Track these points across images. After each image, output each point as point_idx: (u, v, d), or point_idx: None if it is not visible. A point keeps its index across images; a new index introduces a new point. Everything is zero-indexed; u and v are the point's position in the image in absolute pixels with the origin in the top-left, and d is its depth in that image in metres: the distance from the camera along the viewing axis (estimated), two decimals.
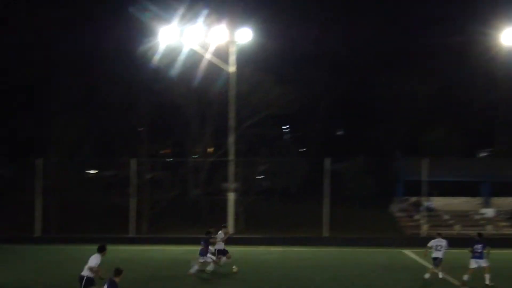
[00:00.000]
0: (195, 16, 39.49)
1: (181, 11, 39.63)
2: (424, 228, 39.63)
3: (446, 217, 42.32)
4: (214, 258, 27.49)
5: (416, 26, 55.75)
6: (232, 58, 39.68)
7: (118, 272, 18.14)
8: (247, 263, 30.03)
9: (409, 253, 34.36)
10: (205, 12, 39.82)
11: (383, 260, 31.57)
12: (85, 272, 20.16)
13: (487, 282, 24.86)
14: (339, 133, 64.05)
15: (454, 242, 36.32)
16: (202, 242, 27.20)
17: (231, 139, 40.10)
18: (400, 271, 28.52)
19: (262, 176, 49.28)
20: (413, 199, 43.56)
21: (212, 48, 39.33)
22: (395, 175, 46.37)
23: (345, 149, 51.45)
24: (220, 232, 28.36)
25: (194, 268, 26.97)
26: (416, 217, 41.79)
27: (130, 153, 40.66)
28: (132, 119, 43.86)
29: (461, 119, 52.02)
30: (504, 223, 41.44)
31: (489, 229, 40.57)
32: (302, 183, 45.88)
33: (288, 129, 60.10)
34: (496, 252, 33.11)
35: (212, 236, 27.83)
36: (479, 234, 26.07)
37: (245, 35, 39.42)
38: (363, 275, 27.32)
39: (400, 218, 43.30)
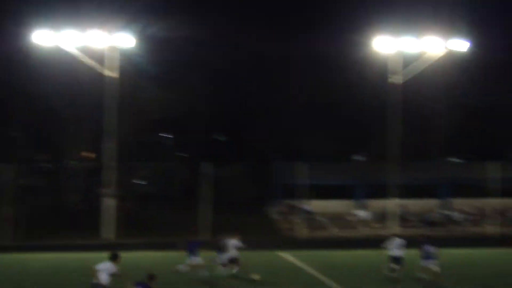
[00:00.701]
0: (75, 19, 38.84)
1: (60, 14, 38.95)
2: (300, 231, 40.55)
3: (322, 219, 43.42)
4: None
5: (295, 33, 56.84)
6: (113, 63, 39.23)
7: (151, 277, 18.13)
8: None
9: (285, 255, 34.96)
10: (86, 15, 39.28)
11: (259, 262, 31.98)
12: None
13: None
14: (220, 138, 64.49)
15: (331, 243, 37.50)
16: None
17: (108, 143, 39.59)
18: (277, 273, 28.98)
19: (143, 181, 48.95)
20: (290, 202, 44.46)
21: (90, 52, 38.76)
22: (274, 179, 47.25)
23: (226, 154, 51.92)
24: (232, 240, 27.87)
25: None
26: (293, 219, 42.64)
27: (4, 159, 39.42)
28: (4, 124, 42.53)
29: (338, 124, 53.57)
30: (376, 225, 42.96)
31: (362, 230, 42.06)
32: (183, 188, 45.91)
33: (169, 135, 59.97)
34: (370, 254, 34.43)
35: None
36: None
37: (127, 40, 39.06)
38: (241, 276, 27.50)
39: (277, 220, 44.08)
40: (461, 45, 41.63)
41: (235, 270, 27.46)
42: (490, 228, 41.95)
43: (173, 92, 44.46)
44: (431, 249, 26.05)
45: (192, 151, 56.70)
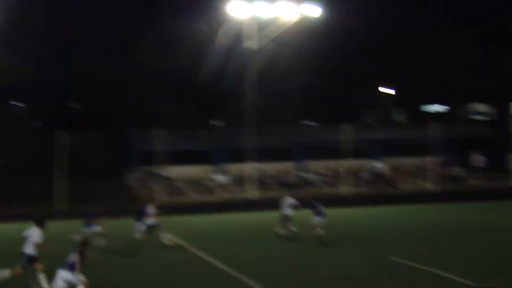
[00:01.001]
0: None
1: None
2: (159, 197, 40.40)
3: (181, 185, 43.40)
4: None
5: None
6: None
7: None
8: None
9: None
10: None
11: (119, 231, 31.59)
12: (29, 250, 19.69)
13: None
14: (75, 106, 62.73)
15: (191, 208, 37.58)
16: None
17: None
18: (137, 240, 28.74)
19: None
20: (148, 169, 44.11)
21: None
22: (131, 146, 46.64)
23: (81, 122, 50.60)
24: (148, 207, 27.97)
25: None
26: (152, 186, 42.38)
27: None
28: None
29: (194, 90, 53.48)
30: (235, 188, 43.47)
31: (221, 195, 42.48)
32: (37, 158, 44.36)
33: (21, 103, 57.65)
34: (229, 217, 34.82)
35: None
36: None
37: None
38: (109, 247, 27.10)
39: (135, 188, 43.65)
40: (313, 10, 42.55)
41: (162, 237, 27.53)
42: (344, 189, 43.49)
43: (24, 59, 42.63)
44: (322, 208, 27.97)
45: (46, 120, 54.87)
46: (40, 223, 20.29)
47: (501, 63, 54.00)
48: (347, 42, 54.12)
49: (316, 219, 27.88)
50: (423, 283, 20.21)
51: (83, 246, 18.32)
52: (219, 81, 52.81)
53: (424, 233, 29.63)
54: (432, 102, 61.83)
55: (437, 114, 59.57)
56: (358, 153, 46.26)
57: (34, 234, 20.01)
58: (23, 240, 19.94)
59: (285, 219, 29.10)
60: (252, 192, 41.48)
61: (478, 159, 49.35)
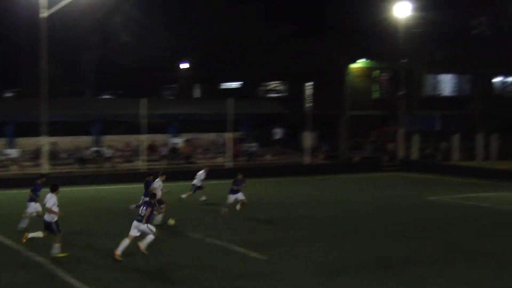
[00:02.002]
0: None
1: None
2: None
3: None
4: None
5: None
6: None
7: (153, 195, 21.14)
8: None
9: None
10: None
11: None
12: (48, 217, 19.88)
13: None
14: None
15: None
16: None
17: None
18: None
19: None
20: None
21: None
22: None
23: None
24: (157, 180, 26.06)
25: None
26: None
27: None
28: None
29: None
30: (28, 163, 41.76)
31: (14, 169, 40.62)
32: None
33: None
34: (22, 193, 33.35)
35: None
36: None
37: None
38: None
39: None
40: None
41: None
42: (141, 164, 43.21)
43: None
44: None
45: None
46: (52, 189, 20.26)
47: (295, 43, 56.22)
48: (143, 16, 53.64)
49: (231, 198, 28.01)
50: (217, 258, 20.58)
51: (153, 198, 20.73)
52: (11, 51, 50.42)
53: (212, 207, 30.04)
54: (229, 79, 63.05)
55: (234, 91, 60.85)
56: (156, 128, 46.19)
57: (47, 199, 20.15)
58: None
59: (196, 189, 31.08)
60: (44, 167, 40.00)
61: (278, 133, 51.33)
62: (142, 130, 43.11)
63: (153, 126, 44.51)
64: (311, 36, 57.60)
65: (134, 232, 19.95)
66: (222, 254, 21.01)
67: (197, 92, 67.01)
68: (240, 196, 28.02)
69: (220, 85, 64.56)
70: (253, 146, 49.04)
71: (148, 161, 43.45)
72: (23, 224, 24.24)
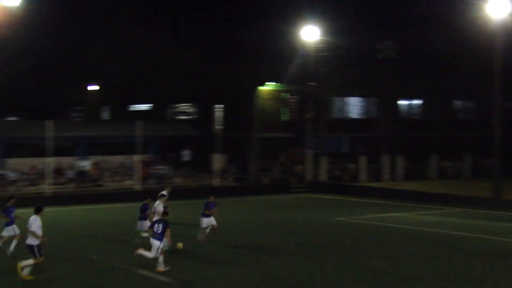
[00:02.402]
0: None
1: None
2: None
3: None
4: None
5: None
6: None
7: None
8: None
9: None
10: None
11: None
12: (32, 240, 19.39)
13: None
14: None
15: None
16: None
17: None
18: None
19: None
20: None
21: None
22: None
23: None
24: (158, 202, 25.49)
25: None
26: None
27: None
28: None
29: None
30: None
31: None
32: None
33: None
34: None
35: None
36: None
37: None
38: None
39: None
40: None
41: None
42: (47, 187, 42.21)
43: None
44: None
45: None
46: (36, 211, 19.89)
47: (204, 65, 56.36)
48: (50, 37, 52.79)
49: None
50: (120, 281, 20.24)
51: (165, 215, 21.79)
52: None
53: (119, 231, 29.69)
54: (139, 101, 62.55)
55: (143, 113, 60.36)
56: (63, 151, 45.28)
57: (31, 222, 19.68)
58: None
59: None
60: None
61: (186, 155, 51.20)
62: (48, 152, 42.17)
63: (60, 148, 43.63)
64: (221, 58, 57.95)
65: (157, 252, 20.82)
66: (131, 278, 20.67)
67: (105, 114, 66.13)
68: (212, 220, 27.13)
69: (129, 107, 63.95)
70: (162, 169, 48.68)
71: (55, 184, 42.51)
72: (12, 248, 23.47)
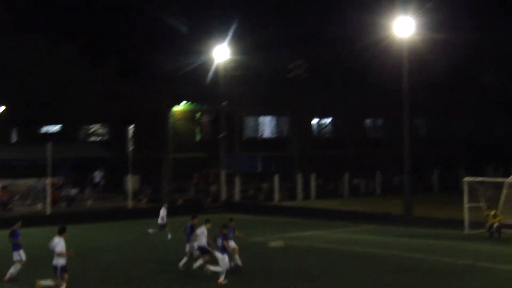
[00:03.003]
0: None
1: None
2: None
3: None
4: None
5: None
6: None
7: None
8: None
9: None
10: None
11: None
12: (58, 261, 19.92)
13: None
14: None
15: None
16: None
17: None
18: None
19: None
20: None
21: None
22: None
23: None
24: (202, 226, 25.10)
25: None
26: None
27: None
28: None
29: None
30: None
31: None
32: None
33: None
34: None
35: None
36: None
37: None
38: None
39: None
40: None
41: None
42: None
43: None
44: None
45: None
46: (60, 232, 20.59)
47: (115, 85, 55.67)
48: None
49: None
50: None
51: (225, 228, 23.72)
52: None
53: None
54: (49, 122, 61.17)
55: (54, 135, 59.07)
56: None
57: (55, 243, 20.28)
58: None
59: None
60: None
61: (98, 177, 50.30)
62: None
63: None
64: (133, 79, 57.36)
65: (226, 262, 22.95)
66: None
67: (14, 136, 64.29)
68: (232, 244, 25.51)
69: (39, 129, 62.43)
70: (73, 191, 47.61)
71: None
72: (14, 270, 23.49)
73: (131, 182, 47.48)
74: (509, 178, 36.91)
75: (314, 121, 67.45)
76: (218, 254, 23.15)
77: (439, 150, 69.25)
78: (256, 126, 63.38)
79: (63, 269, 20.24)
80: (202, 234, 24.70)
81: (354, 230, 38.30)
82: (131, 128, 48.39)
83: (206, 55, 52.36)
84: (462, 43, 61.81)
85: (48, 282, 20.59)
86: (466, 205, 35.79)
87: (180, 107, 56.60)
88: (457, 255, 28.15)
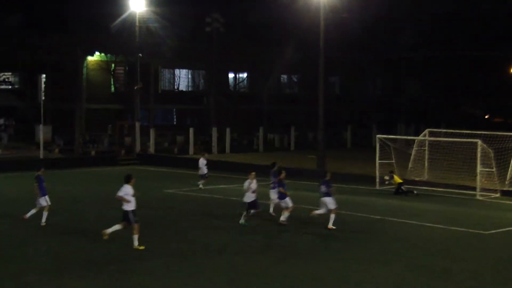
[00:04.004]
0: None
1: None
2: None
3: None
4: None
5: None
6: None
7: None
8: None
9: None
10: None
11: None
12: (125, 206, 20.58)
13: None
14: None
15: None
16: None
17: None
18: None
19: None
20: None
21: None
22: None
23: None
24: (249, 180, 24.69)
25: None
26: None
27: None
28: None
29: None
30: None
31: None
32: None
33: None
34: None
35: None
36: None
37: None
38: None
39: None
40: None
41: None
42: None
43: None
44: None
45: None
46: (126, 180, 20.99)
47: (27, 34, 54.03)
48: None
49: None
50: None
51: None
52: None
53: None
54: None
55: None
56: None
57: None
58: None
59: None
60: None
61: (8, 126, 49.10)
62: None
63: None
64: (46, 28, 55.69)
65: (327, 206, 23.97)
66: None
67: None
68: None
69: None
70: None
71: None
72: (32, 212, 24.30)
73: (43, 132, 46.43)
74: (419, 136, 37.97)
75: (230, 75, 67.34)
76: (324, 199, 24.08)
77: (353, 107, 70.51)
78: (172, 79, 62.79)
79: (134, 213, 20.68)
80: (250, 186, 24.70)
81: (268, 184, 38.59)
82: (43, 77, 47.11)
83: (121, 5, 51.24)
84: (378, 2, 62.61)
85: (115, 227, 21.11)
86: (377, 162, 36.65)
87: (94, 58, 55.44)
88: (368, 210, 28.84)
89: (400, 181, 34.09)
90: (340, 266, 19.14)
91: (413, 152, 38.23)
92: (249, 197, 24.47)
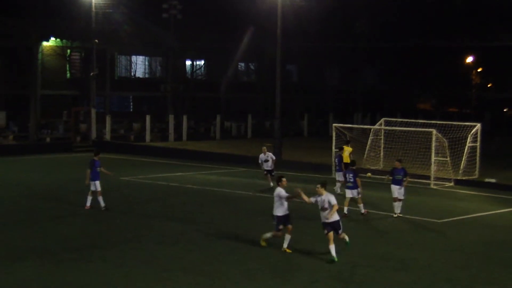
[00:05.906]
0: None
1: None
2: None
3: None
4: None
5: None
6: None
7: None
8: None
9: None
10: None
11: None
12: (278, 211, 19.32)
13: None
14: None
15: None
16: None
17: None
18: None
19: None
20: None
21: None
22: None
23: None
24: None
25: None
26: None
27: None
28: None
29: None
30: None
31: None
32: None
33: None
34: None
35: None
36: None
37: None
38: None
39: None
40: None
41: None
42: None
43: None
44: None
45: None
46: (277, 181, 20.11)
47: None
48: None
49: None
50: None
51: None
52: None
53: None
54: None
55: None
56: None
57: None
58: None
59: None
60: None
61: None
62: None
63: None
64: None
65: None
66: None
67: None
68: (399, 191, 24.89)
69: None
70: None
71: None
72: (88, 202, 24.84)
73: None
74: (375, 125, 38.29)
75: (188, 62, 67.04)
76: (347, 190, 24.44)
77: (310, 96, 70.81)
78: (129, 65, 62.27)
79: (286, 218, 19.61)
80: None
81: (224, 172, 38.72)
82: None
83: None
84: None
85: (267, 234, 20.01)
86: (334, 150, 36.88)
87: (50, 43, 54.64)
88: None
89: (348, 161, 31.97)
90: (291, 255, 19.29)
91: (369, 141, 38.58)
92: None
